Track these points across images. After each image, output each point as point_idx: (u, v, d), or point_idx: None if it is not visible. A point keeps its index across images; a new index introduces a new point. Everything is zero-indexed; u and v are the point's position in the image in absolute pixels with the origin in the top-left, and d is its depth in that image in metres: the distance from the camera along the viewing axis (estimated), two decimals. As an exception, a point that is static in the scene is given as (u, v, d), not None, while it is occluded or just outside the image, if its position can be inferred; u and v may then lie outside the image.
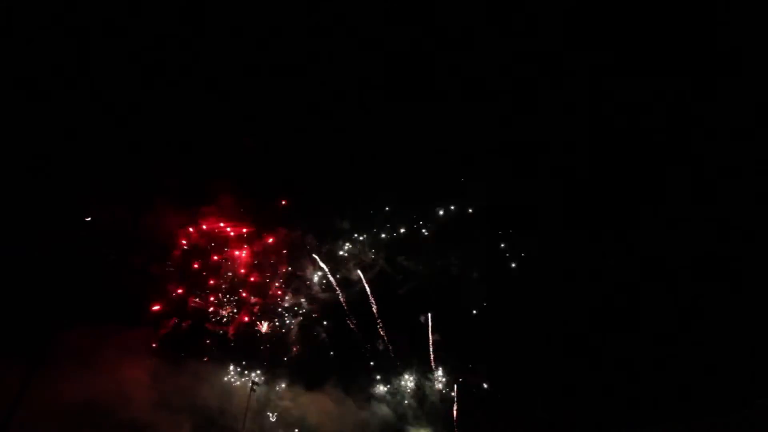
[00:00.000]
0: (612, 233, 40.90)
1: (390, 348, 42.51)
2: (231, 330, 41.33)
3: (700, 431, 32.41)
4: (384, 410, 41.47)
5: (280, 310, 42.89)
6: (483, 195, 43.69)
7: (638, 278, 39.73)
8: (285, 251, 43.79)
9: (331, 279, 43.02)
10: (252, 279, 43.27)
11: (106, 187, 37.49)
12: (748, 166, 36.38)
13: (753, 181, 36.19)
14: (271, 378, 40.92)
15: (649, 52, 37.52)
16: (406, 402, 42.08)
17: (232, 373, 40.53)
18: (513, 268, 43.03)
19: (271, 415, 39.92)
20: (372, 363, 42.86)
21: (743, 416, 30.81)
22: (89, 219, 35.38)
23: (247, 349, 41.38)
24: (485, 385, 41.76)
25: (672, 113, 38.27)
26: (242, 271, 43.39)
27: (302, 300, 43.09)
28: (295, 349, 42.38)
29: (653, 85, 37.98)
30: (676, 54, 36.98)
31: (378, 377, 42.66)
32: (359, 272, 43.44)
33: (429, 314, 42.61)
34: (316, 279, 43.34)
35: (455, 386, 42.01)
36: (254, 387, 38.80)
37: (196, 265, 42.82)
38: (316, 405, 40.33)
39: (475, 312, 42.98)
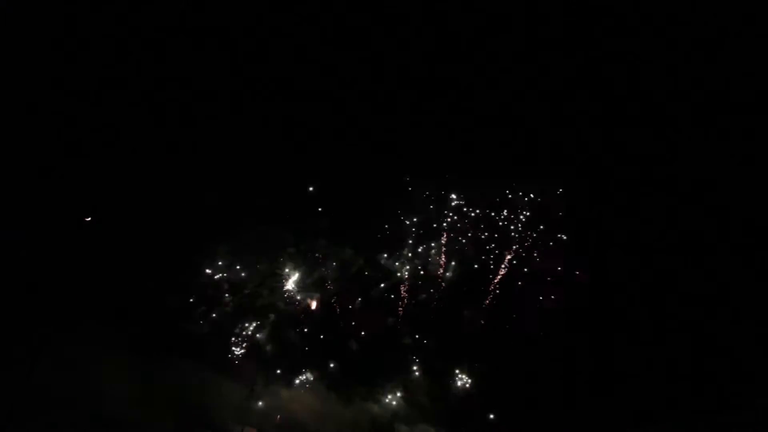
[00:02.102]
0: (611, 232, 41.02)
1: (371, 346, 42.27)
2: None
3: (700, 431, 32.49)
4: (375, 408, 41.40)
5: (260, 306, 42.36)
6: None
7: (638, 278, 39.80)
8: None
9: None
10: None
11: (104, 187, 37.36)
12: (749, 166, 36.49)
13: (754, 180, 36.29)
14: (265, 378, 40.73)
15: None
16: (397, 400, 41.93)
17: (228, 373, 40.32)
18: (509, 267, 42.94)
19: (269, 414, 39.80)
20: (360, 361, 42.56)
21: (743, 416, 30.90)
22: (89, 219, 35.26)
23: (243, 350, 41.18)
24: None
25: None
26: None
27: (278, 300, 42.57)
28: (269, 348, 41.87)
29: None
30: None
31: (368, 376, 42.41)
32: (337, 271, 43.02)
33: (399, 314, 42.50)
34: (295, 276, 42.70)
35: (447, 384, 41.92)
36: (254, 387, 38.75)
37: None
38: (311, 404, 40.32)
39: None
